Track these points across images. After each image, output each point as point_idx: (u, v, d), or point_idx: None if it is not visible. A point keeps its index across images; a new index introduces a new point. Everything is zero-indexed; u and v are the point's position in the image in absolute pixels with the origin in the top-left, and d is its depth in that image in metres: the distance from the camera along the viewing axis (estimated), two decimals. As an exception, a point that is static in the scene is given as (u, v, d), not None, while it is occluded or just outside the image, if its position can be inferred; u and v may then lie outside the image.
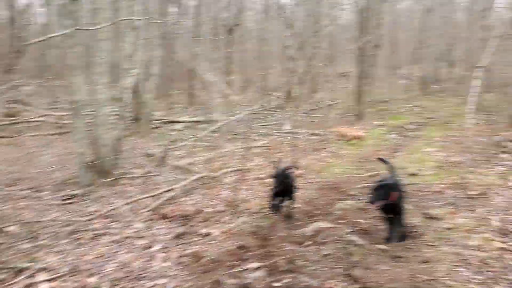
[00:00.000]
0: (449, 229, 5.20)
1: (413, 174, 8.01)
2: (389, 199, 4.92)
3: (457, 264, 4.30)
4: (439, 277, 4.06)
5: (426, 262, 4.42)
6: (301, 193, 7.36)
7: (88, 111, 8.30)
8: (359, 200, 6.67)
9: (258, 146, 11.20)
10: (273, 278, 4.26)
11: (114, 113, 9.47)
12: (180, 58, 18.86)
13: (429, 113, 15.66)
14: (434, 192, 6.83)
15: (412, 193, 6.84)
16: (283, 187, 5.98)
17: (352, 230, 5.36)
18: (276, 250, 4.97)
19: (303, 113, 14.52)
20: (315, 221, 5.84)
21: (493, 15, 18.72)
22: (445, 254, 4.55)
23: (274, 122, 14.14)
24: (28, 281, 4.34)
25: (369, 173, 8.38)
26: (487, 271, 4.10)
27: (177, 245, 5.25)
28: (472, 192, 6.47)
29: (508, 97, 10.64)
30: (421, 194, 6.79)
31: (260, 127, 13.56)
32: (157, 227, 5.79)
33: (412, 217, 5.70)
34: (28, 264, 4.60)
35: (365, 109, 15.30)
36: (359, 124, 13.92)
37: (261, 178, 8.24)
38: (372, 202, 4.93)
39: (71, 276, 4.48)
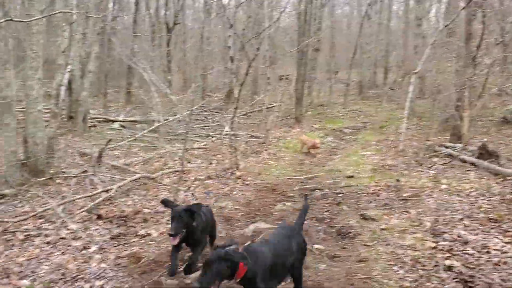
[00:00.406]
0: (384, 229, 5.48)
1: (350, 177, 8.36)
2: (232, 276, 3.21)
3: (391, 263, 4.55)
4: (374, 275, 4.29)
5: (362, 261, 4.64)
6: (239, 195, 7.51)
7: (19, 108, 7.91)
8: (297, 202, 6.87)
9: (198, 148, 11.19)
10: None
11: (47, 110, 9.10)
12: (118, 55, 18.33)
13: (365, 118, 16.37)
14: (370, 194, 7.16)
15: (350, 195, 7.17)
16: (186, 234, 4.07)
17: (290, 230, 5.50)
18: (216, 250, 5.01)
19: (243, 115, 14.70)
20: (254, 222, 5.95)
21: (427, 24, 19.88)
22: (381, 253, 4.80)
23: (214, 124, 14.18)
24: (-48, 286, 4.09)
25: (307, 175, 8.66)
26: (420, 269, 4.36)
27: (115, 246, 5.16)
28: (406, 194, 6.84)
29: (439, 103, 11.36)
30: (357, 196, 7.10)
31: (199, 129, 13.55)
32: (93, 228, 5.64)
33: (349, 218, 5.97)
34: (-47, 269, 4.34)
35: (304, 113, 15.73)
36: (298, 127, 14.29)
37: (201, 180, 8.25)
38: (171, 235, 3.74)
39: (1, 278, 4.28)
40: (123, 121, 14.53)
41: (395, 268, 4.45)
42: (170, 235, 3.93)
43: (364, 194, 7.19)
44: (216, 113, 16.06)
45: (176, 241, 3.99)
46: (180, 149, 10.24)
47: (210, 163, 9.73)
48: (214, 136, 12.47)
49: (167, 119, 11.96)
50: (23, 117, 8.38)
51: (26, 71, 7.45)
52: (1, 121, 7.14)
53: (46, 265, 4.61)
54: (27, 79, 7.44)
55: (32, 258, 4.77)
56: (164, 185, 7.78)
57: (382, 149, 10.79)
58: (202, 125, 14.00)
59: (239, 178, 8.47)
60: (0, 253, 4.87)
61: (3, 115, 7.15)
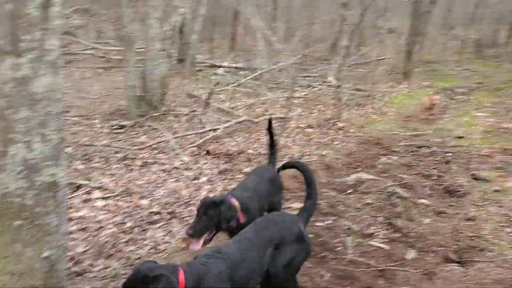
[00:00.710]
0: (497, 191, 5.14)
1: (460, 137, 7.86)
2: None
3: (504, 224, 4.30)
4: (483, 234, 4.09)
5: (470, 220, 4.43)
6: (341, 145, 7.45)
7: (138, 46, 8.40)
8: (403, 156, 6.65)
9: (299, 97, 11.16)
10: (315, 219, 4.40)
11: (162, 51, 9.58)
12: (225, 0, 18.54)
13: (480, 78, 15.02)
14: (482, 155, 6.69)
15: (459, 155, 6.76)
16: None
17: (395, 183, 5.38)
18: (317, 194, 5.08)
19: (348, 66, 14.26)
20: (356, 173, 5.91)
21: None
22: (491, 214, 4.55)
23: (316, 74, 13.97)
24: (86, 196, 4.64)
25: (413, 133, 8.30)
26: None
27: (222, 179, 5.46)
28: (525, 159, 6.30)
29: None
30: (468, 156, 6.67)
31: (302, 78, 13.45)
32: (202, 162, 6.00)
33: (458, 177, 5.67)
34: (85, 182, 4.90)
35: (413, 68, 14.83)
36: (406, 83, 13.58)
37: (302, 128, 8.30)
38: (191, 235, 2.88)
39: (124, 196, 4.76)
40: (228, 67, 14.87)
41: (508, 230, 4.20)
42: (189, 235, 2.89)
43: (476, 155, 6.72)
44: (319, 63, 15.77)
45: (198, 246, 2.89)
46: (281, 97, 10.39)
47: (311, 113, 9.72)
48: (315, 87, 12.32)
49: (270, 67, 12.05)
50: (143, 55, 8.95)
51: (147, 9, 7.85)
52: (124, 57, 7.69)
53: (162, 189, 5.03)
54: (147, 17, 7.84)
55: (150, 183, 5.23)
56: (265, 129, 7.95)
57: (498, 112, 9.92)
58: (304, 75, 13.86)
59: (341, 129, 8.37)
60: (122, 176, 5.41)
61: (126, 52, 7.69)
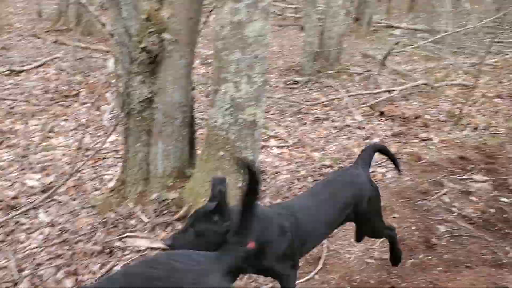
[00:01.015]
0: None
1: None
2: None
3: None
4: None
5: None
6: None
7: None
8: None
9: (488, 64, 10.03)
10: (500, 194, 4.02)
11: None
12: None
13: None
14: None
15: None
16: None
17: None
18: (505, 169, 4.62)
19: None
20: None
21: None
22: None
23: (511, 40, 12.31)
24: (263, 143, 4.99)
25: None
26: None
27: (395, 142, 5.31)
28: None
29: None
30: None
31: (492, 44, 11.98)
32: (375, 123, 5.91)
33: None
34: (263, 130, 5.25)
35: None
36: None
37: (489, 97, 7.51)
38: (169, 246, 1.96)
39: (297, 147, 5.00)
40: (405, 29, 14.05)
41: None
42: (167, 246, 1.97)
43: None
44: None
45: None
46: (465, 63, 9.49)
47: (500, 82, 8.71)
48: (507, 54, 10.91)
49: (454, 30, 11.02)
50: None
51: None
52: (305, 13, 7.83)
53: (334, 145, 5.13)
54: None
55: (321, 137, 5.38)
56: (445, 96, 7.42)
57: None
58: (495, 40, 12.32)
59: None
60: (296, 128, 5.68)
61: (307, 8, 7.83)
